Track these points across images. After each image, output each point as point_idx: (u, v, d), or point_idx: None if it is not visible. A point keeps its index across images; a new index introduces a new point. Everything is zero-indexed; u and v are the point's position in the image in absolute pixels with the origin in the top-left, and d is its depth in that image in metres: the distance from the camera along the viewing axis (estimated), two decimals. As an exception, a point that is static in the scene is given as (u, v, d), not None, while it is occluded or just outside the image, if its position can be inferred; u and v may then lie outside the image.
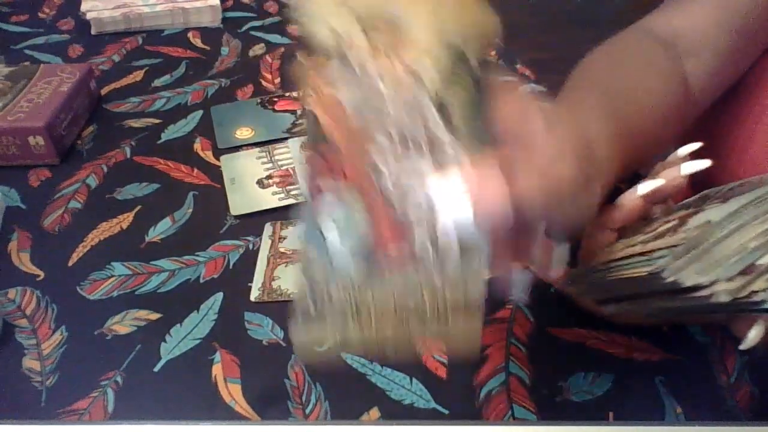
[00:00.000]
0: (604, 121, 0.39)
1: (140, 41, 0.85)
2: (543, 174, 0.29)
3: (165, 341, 0.43)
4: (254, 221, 0.53)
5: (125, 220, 0.54)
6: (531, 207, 0.27)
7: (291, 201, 0.55)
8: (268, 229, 0.53)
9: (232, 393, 0.40)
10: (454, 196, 0.27)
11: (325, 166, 0.27)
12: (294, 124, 0.67)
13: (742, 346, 0.31)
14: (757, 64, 0.51)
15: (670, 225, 0.35)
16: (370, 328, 0.26)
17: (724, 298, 0.27)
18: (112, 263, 0.50)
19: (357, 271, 0.26)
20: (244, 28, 0.88)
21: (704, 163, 0.37)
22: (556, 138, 0.31)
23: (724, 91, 0.52)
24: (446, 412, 0.38)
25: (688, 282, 0.28)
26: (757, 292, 0.26)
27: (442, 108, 0.28)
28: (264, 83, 0.75)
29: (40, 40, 0.85)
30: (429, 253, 0.27)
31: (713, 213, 0.32)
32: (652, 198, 0.37)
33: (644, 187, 0.37)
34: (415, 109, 0.28)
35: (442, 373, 0.41)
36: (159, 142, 0.65)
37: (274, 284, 0.47)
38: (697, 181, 0.39)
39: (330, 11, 0.28)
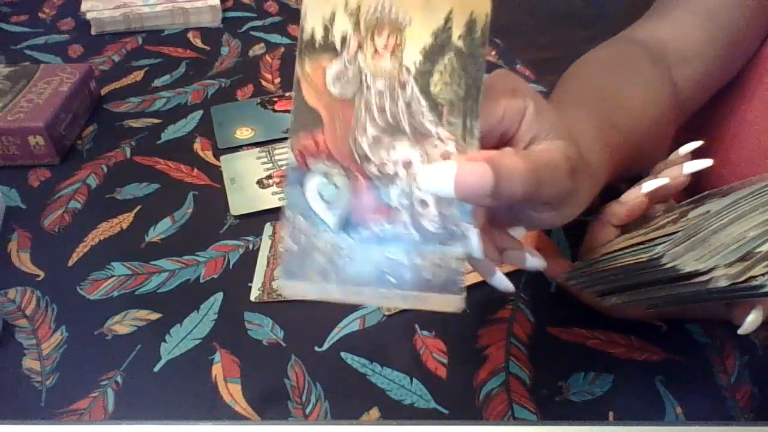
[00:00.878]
0: (593, 125, 0.39)
1: (140, 41, 0.85)
2: (526, 154, 0.29)
3: (165, 341, 0.43)
4: (254, 221, 0.53)
5: (125, 220, 0.54)
6: (511, 186, 0.28)
7: (291, 201, 0.55)
8: (268, 229, 0.53)
9: (232, 393, 0.40)
10: (439, 181, 0.28)
11: (313, 144, 0.28)
12: (294, 124, 0.67)
13: (740, 331, 0.31)
14: (743, 67, 0.51)
15: (671, 218, 0.35)
16: (349, 293, 0.29)
17: (723, 283, 0.27)
18: (112, 263, 0.50)
19: (342, 245, 0.28)
20: (244, 28, 0.88)
21: (706, 162, 0.37)
22: (542, 121, 0.31)
23: (711, 95, 0.52)
24: (446, 412, 0.38)
25: (687, 268, 0.28)
26: (756, 276, 0.27)
27: (425, 92, 0.28)
28: (264, 83, 0.75)
29: (40, 40, 0.85)
30: (411, 235, 0.29)
31: (713, 205, 0.32)
32: (654, 196, 0.37)
33: (648, 185, 0.37)
34: (397, 92, 0.28)
35: (442, 373, 0.41)
36: (159, 142, 0.65)
37: (274, 284, 0.47)
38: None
39: (327, 11, 0.28)
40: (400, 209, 0.28)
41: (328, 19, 0.28)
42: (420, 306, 0.29)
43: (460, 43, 0.28)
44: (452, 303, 0.29)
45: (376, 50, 0.28)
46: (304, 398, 0.39)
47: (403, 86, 0.28)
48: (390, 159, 0.28)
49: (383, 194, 0.28)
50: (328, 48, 0.28)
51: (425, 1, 0.28)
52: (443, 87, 0.28)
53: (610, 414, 0.38)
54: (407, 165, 0.28)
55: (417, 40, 0.28)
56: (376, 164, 0.28)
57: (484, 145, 0.29)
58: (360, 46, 0.28)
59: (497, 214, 0.34)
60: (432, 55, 0.28)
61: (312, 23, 0.28)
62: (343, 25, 0.28)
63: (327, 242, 0.28)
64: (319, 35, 0.28)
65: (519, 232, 0.33)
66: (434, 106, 0.28)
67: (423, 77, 0.28)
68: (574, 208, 0.33)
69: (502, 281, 0.33)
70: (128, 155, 0.63)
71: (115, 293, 0.47)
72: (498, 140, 0.31)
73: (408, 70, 0.28)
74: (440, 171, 0.27)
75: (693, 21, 0.49)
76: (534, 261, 0.33)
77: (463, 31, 0.28)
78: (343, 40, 0.28)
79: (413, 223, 0.29)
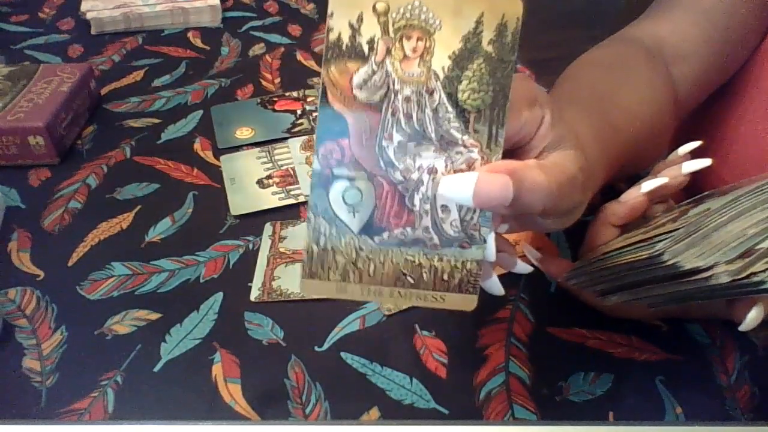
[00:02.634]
0: (590, 124, 0.39)
1: (140, 41, 0.85)
2: (548, 168, 0.29)
3: (165, 341, 0.43)
4: (254, 221, 0.53)
5: (125, 220, 0.54)
6: (532, 200, 0.28)
7: (291, 201, 0.55)
8: (268, 229, 0.53)
9: (232, 393, 0.40)
10: (458, 190, 0.28)
11: (338, 150, 0.28)
12: (294, 124, 0.67)
13: (742, 328, 0.31)
14: (741, 67, 0.51)
15: (670, 217, 0.35)
16: (370, 293, 0.30)
17: (724, 279, 0.27)
18: (112, 263, 0.50)
19: (363, 247, 0.29)
20: (244, 28, 0.88)
21: (705, 162, 0.37)
22: (557, 131, 0.31)
23: (709, 94, 0.52)
24: (446, 412, 0.38)
25: (688, 265, 0.29)
26: (757, 273, 0.27)
27: (453, 99, 0.28)
28: (264, 83, 0.75)
29: (40, 40, 0.85)
30: (432, 238, 0.29)
31: (713, 203, 0.32)
32: (654, 195, 0.37)
33: (648, 185, 0.37)
34: (425, 98, 0.28)
35: (442, 373, 0.41)
36: (159, 142, 0.65)
37: (274, 284, 0.47)
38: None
39: (355, 13, 0.27)
40: (423, 214, 0.29)
41: (355, 22, 0.27)
42: (436, 305, 0.30)
43: (489, 48, 0.28)
44: (467, 302, 0.30)
45: (404, 55, 0.28)
46: (304, 398, 0.39)
47: (431, 92, 0.28)
48: (415, 165, 0.28)
49: (407, 200, 0.29)
50: (356, 52, 0.27)
51: (456, 4, 0.27)
52: (471, 94, 0.28)
53: (610, 414, 0.38)
54: (432, 171, 0.29)
55: (446, 45, 0.28)
56: (401, 170, 0.28)
57: None
58: (388, 51, 0.28)
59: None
60: (461, 60, 0.28)
61: (339, 26, 0.27)
62: (371, 29, 0.27)
63: (348, 244, 0.29)
64: (346, 38, 0.27)
65: (502, 228, 0.33)
66: (461, 113, 0.28)
67: (451, 83, 0.28)
68: (577, 214, 0.33)
69: (495, 285, 0.33)
70: (128, 155, 0.63)
71: (115, 293, 0.47)
72: (511, 147, 0.31)
73: (436, 75, 0.28)
74: (461, 180, 0.28)
75: (690, 19, 0.49)
76: (522, 266, 0.34)
77: (494, 36, 0.28)
78: (371, 44, 0.27)
79: (435, 227, 0.29)
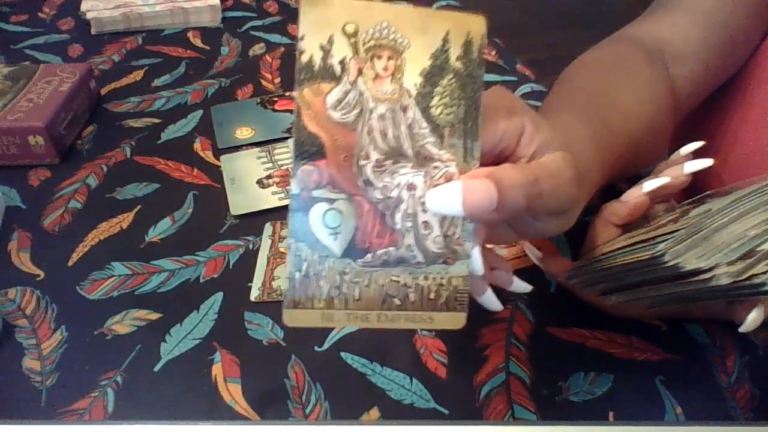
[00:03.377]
0: (588, 125, 0.39)
1: (140, 41, 0.85)
2: (525, 166, 0.30)
3: (165, 341, 0.43)
4: (254, 221, 0.53)
5: (125, 220, 0.54)
6: (514, 198, 0.28)
7: (291, 201, 0.55)
8: (268, 228, 0.53)
9: (232, 393, 0.40)
10: (447, 202, 0.28)
11: (315, 171, 0.28)
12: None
13: (742, 329, 0.31)
14: (741, 68, 0.51)
15: (671, 217, 0.35)
16: (357, 319, 0.29)
17: (724, 281, 0.28)
18: (112, 263, 0.50)
19: (347, 271, 0.28)
20: (244, 28, 0.89)
21: (707, 162, 0.37)
22: (540, 137, 0.31)
23: (709, 95, 0.52)
24: (446, 412, 0.38)
25: (689, 266, 0.29)
26: (758, 275, 0.27)
27: (426, 114, 0.29)
28: (264, 83, 0.75)
29: (40, 40, 0.85)
30: (416, 256, 0.29)
31: (714, 203, 0.33)
32: (655, 195, 0.37)
33: (649, 185, 0.37)
34: (400, 117, 0.29)
35: (442, 373, 0.41)
36: (159, 142, 0.65)
37: (274, 284, 0.47)
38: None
39: (325, 35, 0.28)
40: (405, 232, 0.29)
41: (326, 44, 0.27)
42: (424, 326, 0.30)
43: (458, 65, 0.29)
44: (455, 320, 0.30)
45: (376, 74, 0.28)
46: (304, 398, 0.39)
47: (404, 109, 0.28)
48: (393, 183, 0.29)
49: (387, 218, 0.29)
50: (328, 73, 0.28)
51: (422, 23, 0.28)
52: (443, 109, 0.29)
53: (610, 414, 0.38)
54: (411, 188, 0.29)
55: (416, 63, 0.28)
56: (380, 189, 0.29)
57: (484, 162, 0.30)
58: (360, 71, 0.28)
59: (492, 232, 0.34)
60: (431, 77, 0.28)
61: (310, 48, 0.27)
62: (342, 50, 0.28)
63: (331, 269, 0.28)
64: (318, 60, 0.27)
65: (501, 252, 0.34)
66: (435, 128, 0.29)
67: (423, 100, 0.28)
68: (574, 215, 0.33)
69: (491, 300, 0.33)
70: (128, 155, 0.63)
71: (115, 293, 0.47)
72: (496, 158, 0.32)
73: (409, 93, 0.28)
74: (447, 191, 0.28)
75: (690, 19, 0.49)
76: (519, 284, 0.34)
77: (461, 52, 0.29)
78: (343, 64, 0.28)
79: (417, 244, 0.29)
